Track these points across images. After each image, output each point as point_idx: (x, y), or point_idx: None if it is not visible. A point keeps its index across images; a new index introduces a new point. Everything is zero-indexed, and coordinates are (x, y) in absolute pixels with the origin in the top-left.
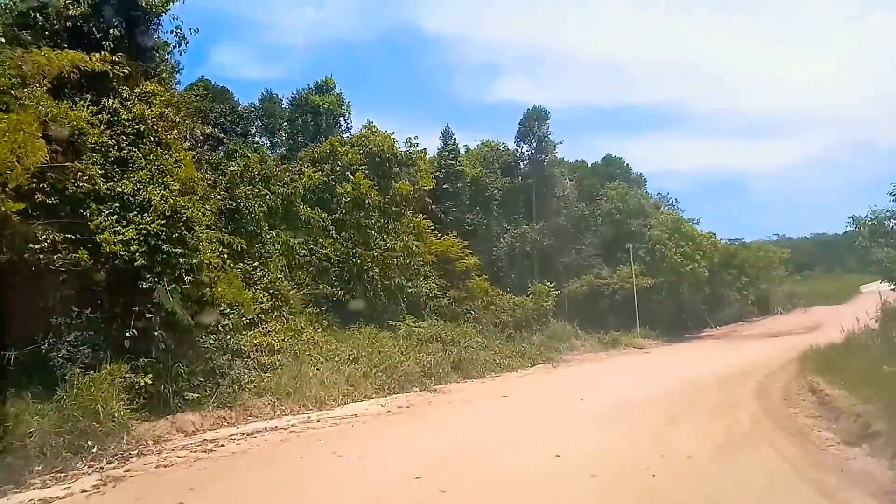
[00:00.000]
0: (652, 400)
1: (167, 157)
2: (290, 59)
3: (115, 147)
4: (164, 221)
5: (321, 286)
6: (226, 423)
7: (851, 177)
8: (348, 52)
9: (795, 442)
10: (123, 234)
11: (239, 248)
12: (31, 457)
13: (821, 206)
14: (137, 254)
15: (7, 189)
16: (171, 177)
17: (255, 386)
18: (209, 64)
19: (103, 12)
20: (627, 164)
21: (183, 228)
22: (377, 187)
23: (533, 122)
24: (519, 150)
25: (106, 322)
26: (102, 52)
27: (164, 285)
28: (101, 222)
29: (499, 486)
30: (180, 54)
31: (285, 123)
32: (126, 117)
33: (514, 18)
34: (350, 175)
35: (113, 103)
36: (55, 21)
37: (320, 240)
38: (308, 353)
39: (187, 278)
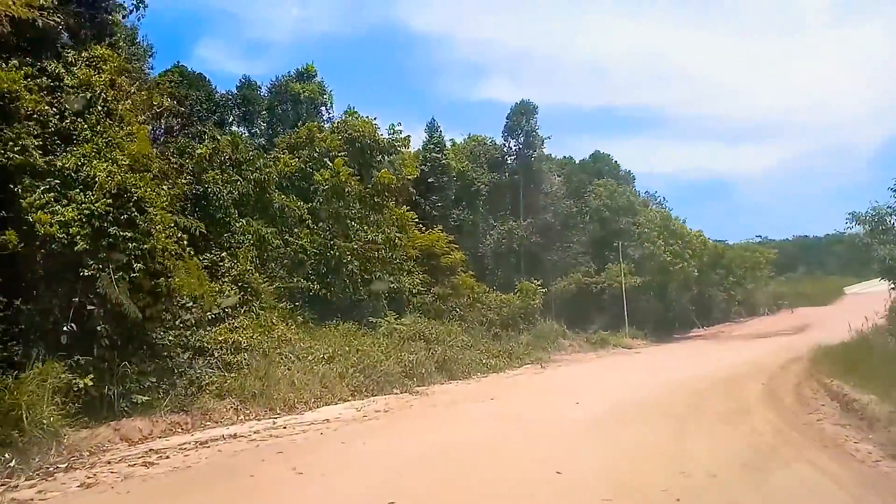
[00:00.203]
0: (653, 404)
1: (117, 129)
2: (273, 57)
3: (57, 116)
4: (110, 201)
5: (296, 279)
6: (180, 430)
7: (829, 182)
8: (332, 50)
9: (832, 455)
10: (62, 213)
11: (199, 233)
12: None
13: (801, 209)
14: (79, 237)
15: None
16: (121, 151)
17: (216, 387)
18: (191, 59)
19: None
20: (616, 161)
21: (133, 209)
22: (358, 176)
23: (520, 117)
24: (506, 144)
25: (40, 314)
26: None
27: (109, 273)
28: (34, 199)
29: None
30: (138, 20)
31: (264, 112)
32: (70, 83)
33: (500, 19)
34: (329, 162)
35: (56, 68)
36: None
37: (296, 230)
38: (279, 351)
39: (137, 266)
